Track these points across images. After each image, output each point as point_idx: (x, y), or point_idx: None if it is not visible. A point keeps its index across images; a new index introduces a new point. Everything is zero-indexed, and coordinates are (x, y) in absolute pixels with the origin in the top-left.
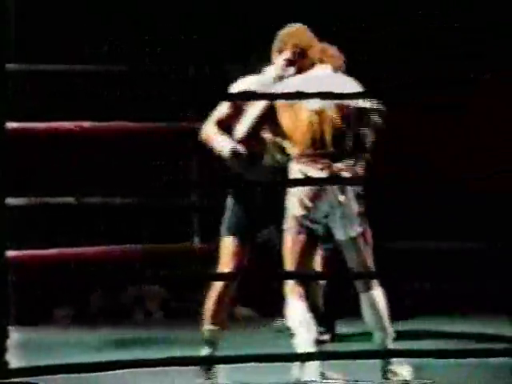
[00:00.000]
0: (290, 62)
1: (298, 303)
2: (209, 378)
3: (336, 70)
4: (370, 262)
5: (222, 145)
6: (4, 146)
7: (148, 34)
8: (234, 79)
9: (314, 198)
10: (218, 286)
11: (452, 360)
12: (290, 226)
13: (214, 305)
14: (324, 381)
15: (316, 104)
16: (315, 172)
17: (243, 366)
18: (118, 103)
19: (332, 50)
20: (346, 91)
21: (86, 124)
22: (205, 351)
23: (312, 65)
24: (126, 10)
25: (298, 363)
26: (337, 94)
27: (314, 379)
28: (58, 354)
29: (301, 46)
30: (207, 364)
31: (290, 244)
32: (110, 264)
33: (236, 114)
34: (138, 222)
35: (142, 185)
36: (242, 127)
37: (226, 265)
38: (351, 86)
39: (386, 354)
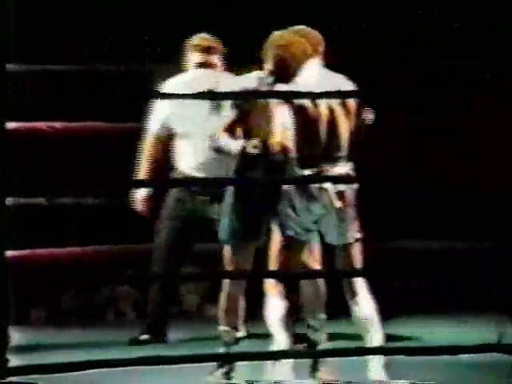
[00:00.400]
0: (271, 72)
1: (277, 301)
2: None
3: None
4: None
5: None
6: (4, 146)
7: (148, 34)
8: None
9: (306, 200)
10: (228, 287)
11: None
12: (278, 227)
13: (225, 307)
14: (296, 380)
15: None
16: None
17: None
18: (117, 103)
19: (311, 39)
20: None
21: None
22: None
23: (296, 70)
24: (127, 10)
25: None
26: (330, 92)
27: (285, 379)
28: (37, 355)
29: (280, 56)
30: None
31: (277, 245)
32: (82, 265)
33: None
34: (108, 222)
35: (111, 184)
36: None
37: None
38: (340, 84)
39: (357, 353)
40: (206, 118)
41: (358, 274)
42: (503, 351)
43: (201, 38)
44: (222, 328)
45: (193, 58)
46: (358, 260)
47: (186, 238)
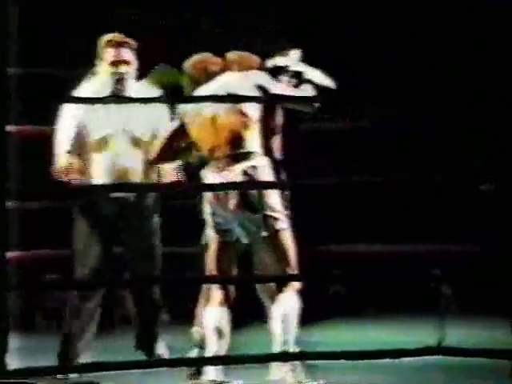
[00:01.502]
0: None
1: (215, 309)
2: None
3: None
4: (286, 265)
5: None
6: (4, 148)
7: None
8: None
9: (215, 202)
10: (208, 290)
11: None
12: (208, 231)
13: (202, 308)
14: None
15: (209, 109)
16: (211, 176)
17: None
18: None
19: (243, 62)
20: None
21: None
22: (194, 352)
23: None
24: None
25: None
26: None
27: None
28: None
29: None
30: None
31: (211, 248)
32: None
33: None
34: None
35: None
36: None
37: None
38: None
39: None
40: (127, 120)
41: (291, 278)
42: (445, 354)
43: (113, 35)
44: (195, 328)
45: (106, 54)
46: (279, 257)
47: (102, 245)
